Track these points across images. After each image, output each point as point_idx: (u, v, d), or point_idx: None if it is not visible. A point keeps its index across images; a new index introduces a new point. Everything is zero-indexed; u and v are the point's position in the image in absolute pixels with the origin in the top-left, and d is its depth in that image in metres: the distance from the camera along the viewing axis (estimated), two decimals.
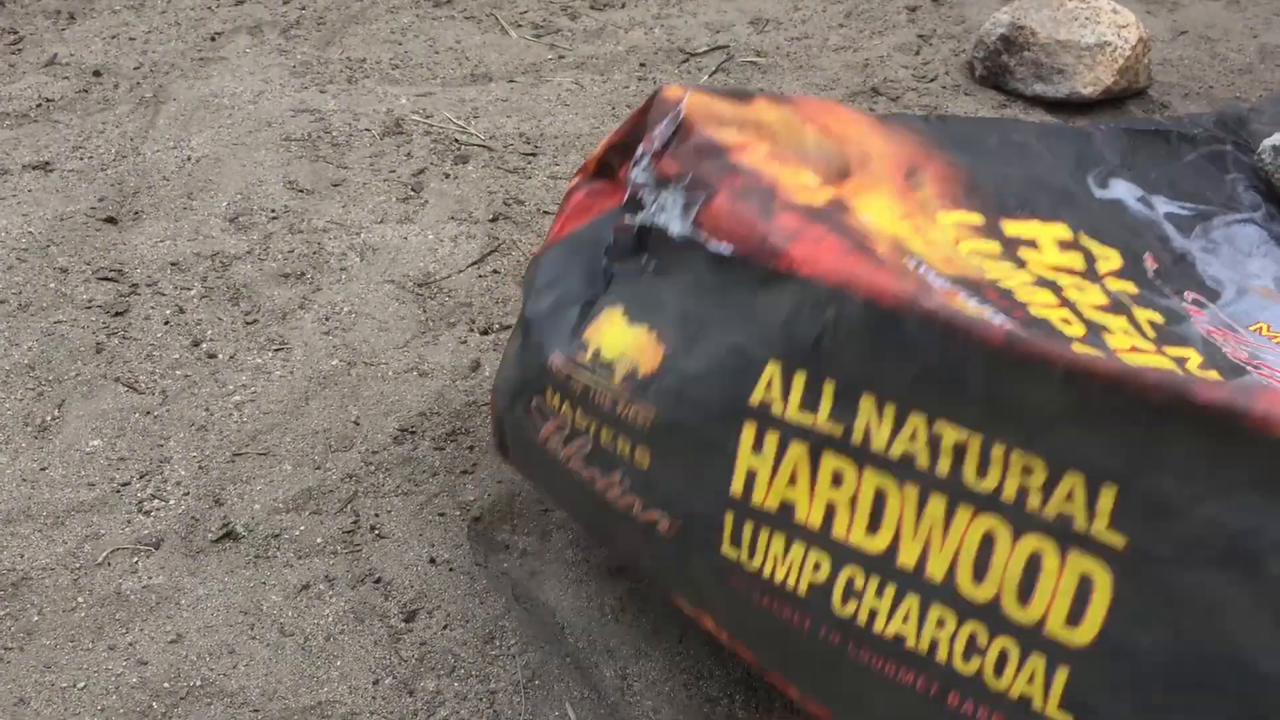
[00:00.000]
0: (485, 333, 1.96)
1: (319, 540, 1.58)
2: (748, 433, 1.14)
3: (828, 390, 1.10)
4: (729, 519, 1.18)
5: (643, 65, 2.86)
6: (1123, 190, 1.65)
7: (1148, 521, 0.94)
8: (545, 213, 2.28)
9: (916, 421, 1.05)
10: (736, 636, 1.27)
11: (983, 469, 1.02)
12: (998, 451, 1.00)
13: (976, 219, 1.40)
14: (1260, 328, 1.65)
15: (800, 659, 1.18)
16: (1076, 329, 1.29)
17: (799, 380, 1.11)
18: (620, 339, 1.27)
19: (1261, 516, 0.90)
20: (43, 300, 1.96)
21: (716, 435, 1.17)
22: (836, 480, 1.10)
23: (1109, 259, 1.48)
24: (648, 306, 1.27)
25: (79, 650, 1.41)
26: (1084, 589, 0.96)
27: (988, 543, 1.02)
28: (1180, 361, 1.38)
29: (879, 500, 1.08)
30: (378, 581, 1.52)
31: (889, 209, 1.34)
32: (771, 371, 1.13)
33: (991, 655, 1.02)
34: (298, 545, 1.57)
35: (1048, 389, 0.97)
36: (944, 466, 1.03)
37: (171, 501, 1.62)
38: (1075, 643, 0.97)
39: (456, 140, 2.50)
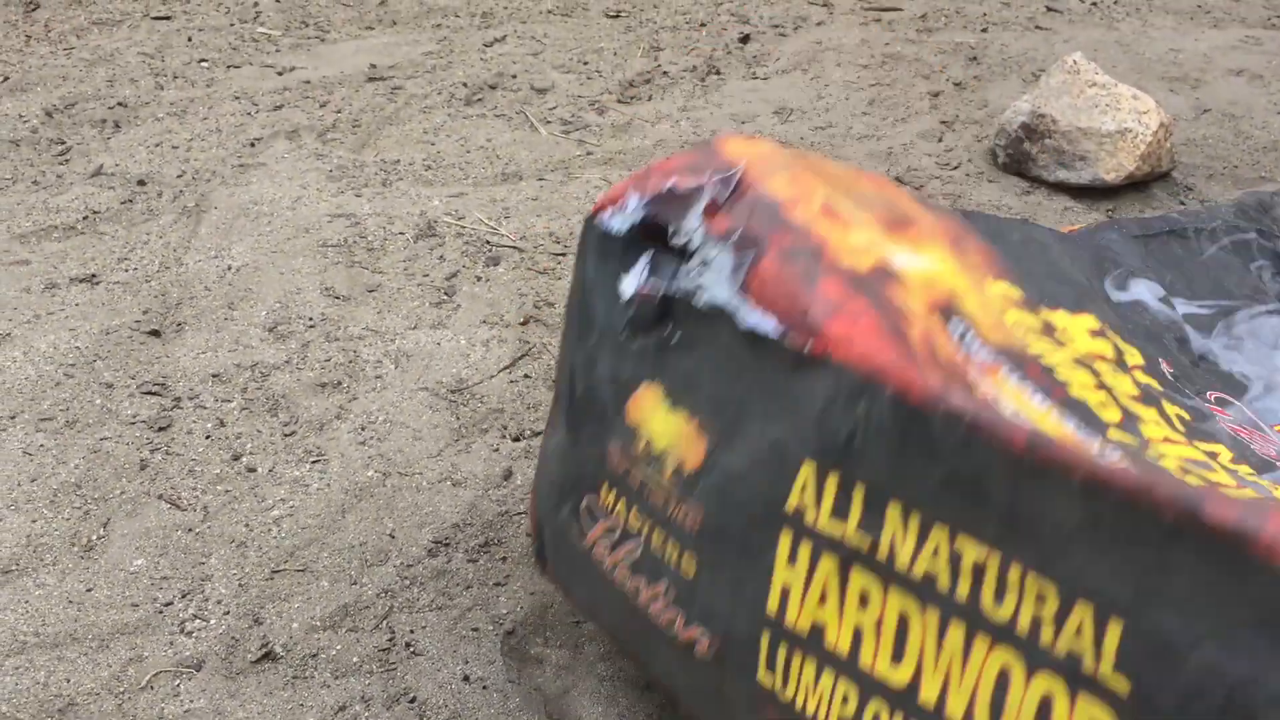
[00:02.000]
0: (517, 439, 2.00)
1: (355, 659, 1.61)
2: (784, 542, 1.13)
3: (858, 496, 1.08)
4: (765, 640, 1.17)
5: None
6: (1143, 291, 1.66)
7: (1150, 664, 0.91)
8: None
9: (939, 536, 1.03)
10: None
11: (1000, 594, 1.01)
12: (1014, 575, 0.99)
13: (1018, 293, 1.39)
14: None
15: None
16: (1113, 414, 1.27)
17: (831, 484, 1.10)
18: (666, 427, 1.26)
19: (1261, 663, 0.85)
20: (89, 417, 2.02)
21: (757, 542, 1.16)
22: (864, 600, 1.10)
23: (1133, 355, 1.48)
24: (683, 388, 1.25)
25: None
26: None
27: (1003, 679, 1.01)
28: (1212, 455, 1.38)
29: (903, 626, 1.08)
30: (413, 701, 1.55)
31: (946, 260, 1.32)
32: (806, 473, 1.12)
33: None
34: (335, 665, 1.60)
35: (1066, 500, 0.95)
36: (963, 589, 1.03)
37: (212, 621, 1.66)
38: None
39: (488, 241, 2.56)
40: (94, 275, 2.40)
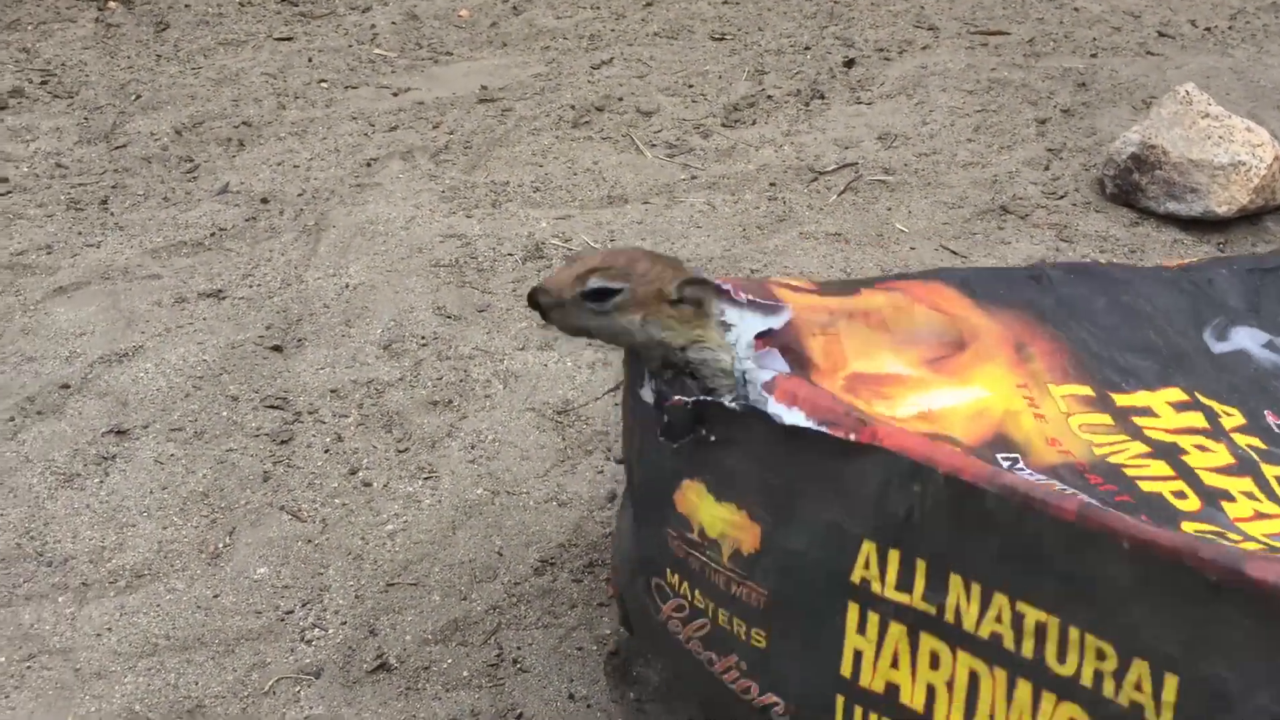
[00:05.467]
0: (620, 462, 2.05)
1: (465, 673, 1.67)
2: (852, 612, 1.22)
3: (920, 568, 1.16)
4: (840, 702, 1.25)
5: (773, 185, 2.96)
6: (1245, 339, 1.66)
7: (1207, 713, 0.97)
8: None
9: (1001, 601, 1.11)
10: None
11: (1062, 653, 1.08)
12: (1074, 634, 1.06)
13: (1087, 391, 1.44)
14: None
15: None
16: (1191, 503, 1.32)
17: (894, 558, 1.18)
18: (715, 516, 1.35)
19: None
20: (216, 428, 2.12)
21: (825, 612, 1.24)
22: (934, 662, 1.18)
23: (1231, 416, 1.49)
24: (726, 481, 1.34)
25: None
26: None
27: None
28: None
29: (973, 684, 1.15)
30: (520, 717, 1.61)
31: (1005, 379, 1.39)
32: (868, 549, 1.20)
33: None
34: (446, 678, 1.66)
35: (1116, 563, 1.03)
36: (1028, 649, 1.10)
37: (331, 630, 1.74)
38: None
39: None
40: (220, 290, 2.52)
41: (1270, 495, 1.42)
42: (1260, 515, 1.38)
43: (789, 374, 1.31)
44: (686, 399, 1.37)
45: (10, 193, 2.88)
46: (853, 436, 1.21)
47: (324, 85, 3.49)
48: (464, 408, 2.19)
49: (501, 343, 2.37)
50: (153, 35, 3.79)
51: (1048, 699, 1.09)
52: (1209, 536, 1.28)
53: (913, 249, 2.69)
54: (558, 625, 1.75)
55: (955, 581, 1.14)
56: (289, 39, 3.78)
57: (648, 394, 1.41)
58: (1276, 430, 1.58)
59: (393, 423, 2.15)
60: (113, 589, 1.80)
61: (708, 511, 1.35)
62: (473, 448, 2.09)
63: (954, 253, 2.67)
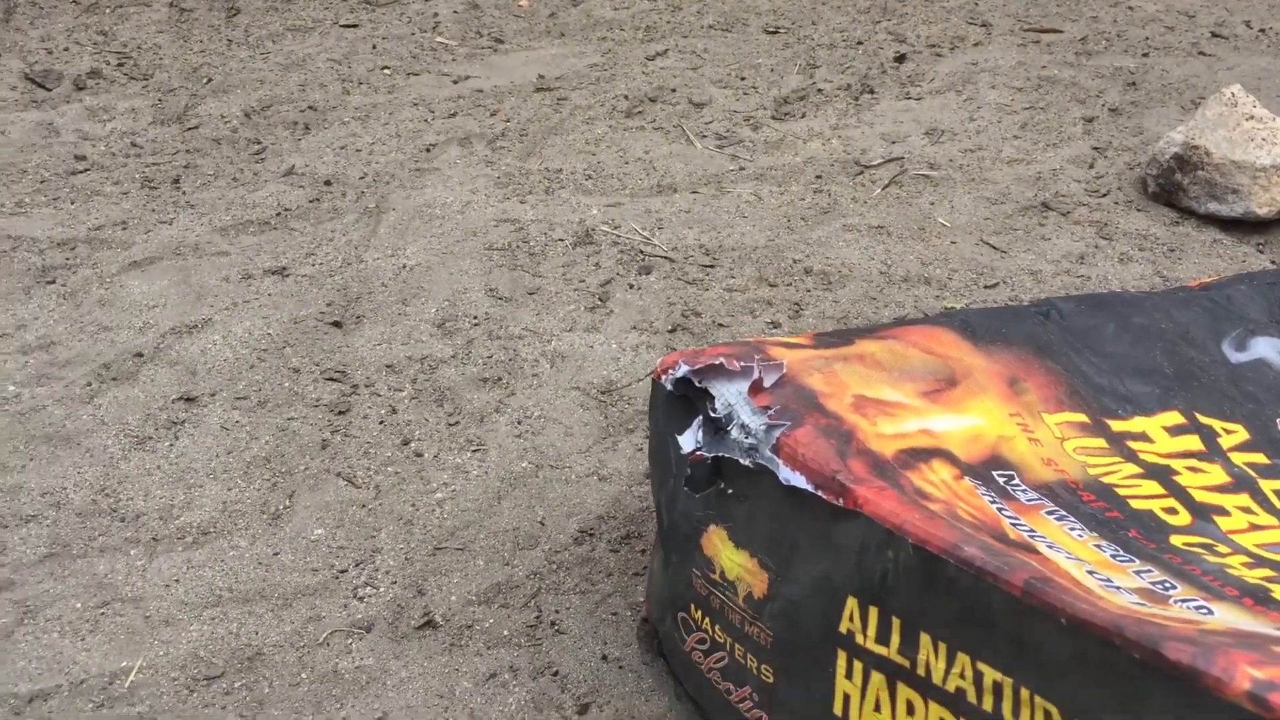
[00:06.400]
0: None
1: (506, 632, 1.78)
2: (841, 658, 1.34)
3: (895, 625, 1.27)
4: None
5: (819, 177, 3.03)
6: (1264, 348, 1.71)
7: None
8: (720, 325, 2.46)
9: (963, 659, 1.21)
10: None
11: (1016, 710, 1.18)
12: (1025, 694, 1.16)
13: (1082, 418, 1.53)
14: None
15: None
16: (1182, 518, 1.39)
17: (873, 614, 1.29)
18: (733, 560, 1.47)
19: None
20: (278, 398, 2.24)
21: (819, 658, 1.36)
22: (910, 709, 1.29)
23: (1233, 434, 1.56)
24: (742, 530, 1.46)
25: None
26: None
27: None
28: None
29: None
30: (555, 674, 1.71)
31: (997, 409, 1.48)
32: (852, 604, 1.31)
33: None
34: (487, 636, 1.77)
35: (1057, 636, 1.12)
36: (988, 704, 1.20)
37: (381, 589, 1.85)
38: None
39: (641, 251, 2.71)
40: (284, 268, 2.64)
41: (1269, 508, 1.49)
42: (1255, 527, 1.45)
43: (795, 425, 1.40)
44: (707, 455, 1.48)
45: (88, 170, 3.03)
46: (840, 501, 1.32)
47: (387, 72, 3.61)
48: (512, 385, 2.29)
49: (550, 324, 2.46)
50: (224, 20, 3.93)
51: None
52: (1196, 551, 1.36)
53: (953, 243, 2.75)
54: (594, 591, 1.85)
55: (925, 639, 1.25)
56: (354, 25, 3.90)
57: (689, 442, 1.52)
58: None
59: (444, 398, 2.26)
60: (180, 544, 1.93)
61: (728, 556, 1.48)
62: (519, 423, 2.20)
63: (994, 248, 2.73)
